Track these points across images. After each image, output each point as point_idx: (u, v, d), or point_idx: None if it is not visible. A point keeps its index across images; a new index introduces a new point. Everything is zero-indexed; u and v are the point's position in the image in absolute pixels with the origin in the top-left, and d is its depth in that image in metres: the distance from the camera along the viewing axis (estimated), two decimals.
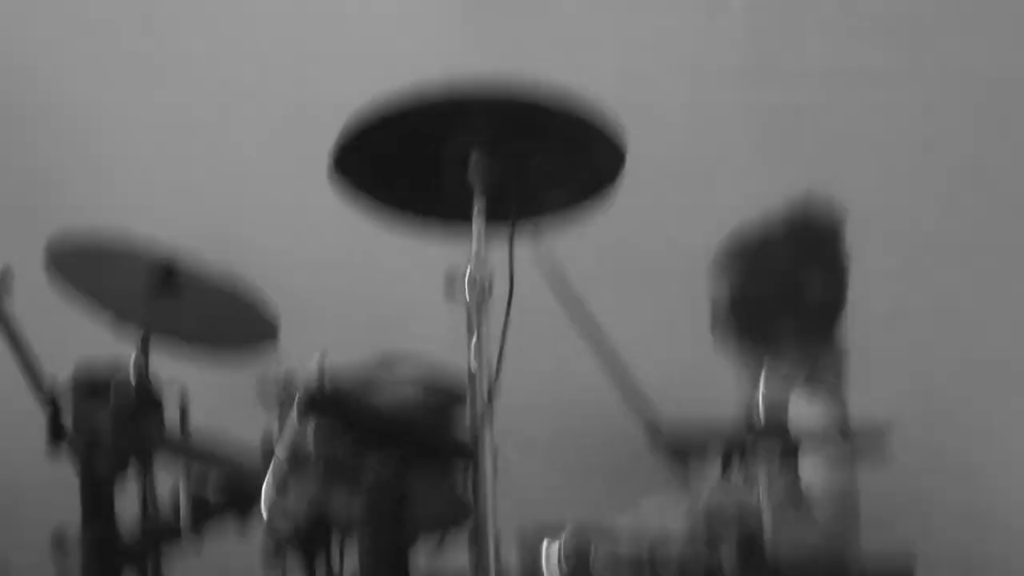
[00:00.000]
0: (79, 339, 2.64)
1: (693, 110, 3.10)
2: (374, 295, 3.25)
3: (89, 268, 2.67)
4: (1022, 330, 3.02)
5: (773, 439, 2.12)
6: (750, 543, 2.07)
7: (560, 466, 2.66)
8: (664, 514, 2.66)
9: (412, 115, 2.11)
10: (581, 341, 2.74)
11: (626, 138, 2.14)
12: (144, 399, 2.46)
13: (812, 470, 2.42)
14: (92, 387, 2.50)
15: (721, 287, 2.62)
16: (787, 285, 2.60)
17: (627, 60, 3.14)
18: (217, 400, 2.61)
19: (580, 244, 2.65)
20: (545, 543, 2.16)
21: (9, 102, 3.39)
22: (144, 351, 2.55)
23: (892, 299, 2.78)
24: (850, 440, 2.39)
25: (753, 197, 2.71)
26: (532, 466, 2.80)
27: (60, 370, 2.56)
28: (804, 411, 2.50)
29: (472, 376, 2.04)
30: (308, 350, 2.19)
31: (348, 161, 2.17)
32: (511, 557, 2.21)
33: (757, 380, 2.23)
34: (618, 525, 2.56)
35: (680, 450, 2.54)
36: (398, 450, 2.11)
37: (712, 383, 2.79)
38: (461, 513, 2.09)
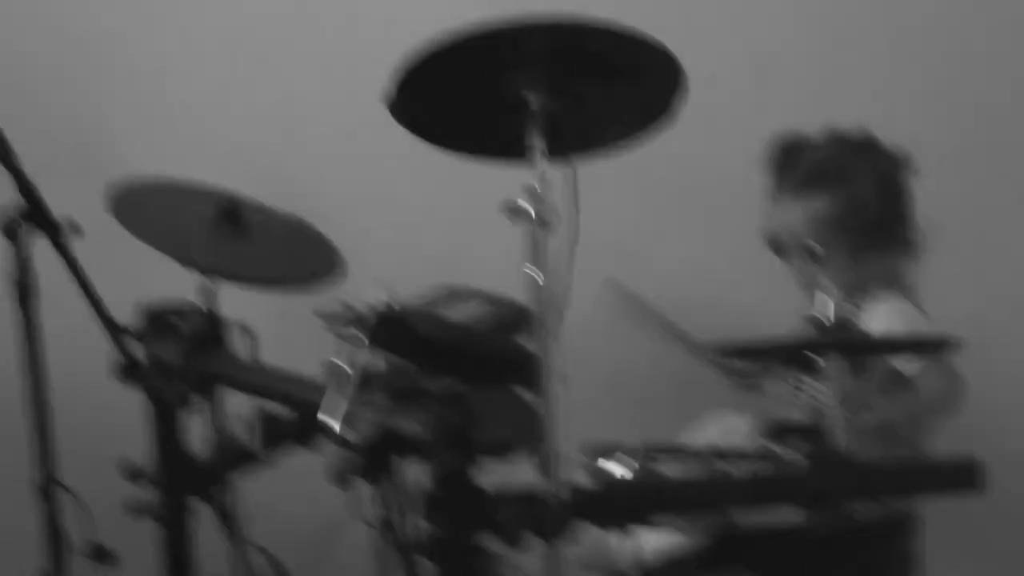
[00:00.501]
0: (147, 283, 2.68)
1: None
2: (435, 232, 3.31)
3: (152, 213, 2.73)
4: None
5: (841, 343, 2.12)
6: (819, 443, 2.10)
7: (622, 390, 2.68)
8: (729, 428, 2.73)
9: (467, 51, 2.12)
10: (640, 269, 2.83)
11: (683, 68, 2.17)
12: (211, 333, 2.52)
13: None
14: (162, 323, 2.57)
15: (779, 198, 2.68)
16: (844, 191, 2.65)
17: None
18: (284, 336, 2.65)
19: (638, 171, 2.71)
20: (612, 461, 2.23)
21: (70, 53, 3.44)
22: (210, 289, 2.61)
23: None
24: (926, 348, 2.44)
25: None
26: (595, 389, 2.87)
27: (129, 314, 2.65)
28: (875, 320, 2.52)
29: (538, 301, 2.07)
30: (373, 287, 2.22)
31: (405, 100, 2.19)
32: (577, 476, 2.27)
33: (817, 291, 2.26)
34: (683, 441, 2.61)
35: (744, 366, 2.61)
36: (464, 373, 2.15)
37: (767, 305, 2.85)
38: (527, 434, 2.11)
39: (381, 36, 2.92)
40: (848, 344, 2.15)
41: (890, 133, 2.72)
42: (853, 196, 2.67)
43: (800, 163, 2.70)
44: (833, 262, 2.65)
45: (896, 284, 2.71)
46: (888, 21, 3.18)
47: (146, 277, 2.70)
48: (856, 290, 2.70)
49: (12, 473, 2.91)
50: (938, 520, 2.70)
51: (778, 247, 2.73)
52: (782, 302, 2.74)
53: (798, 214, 2.68)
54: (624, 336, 2.70)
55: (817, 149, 2.72)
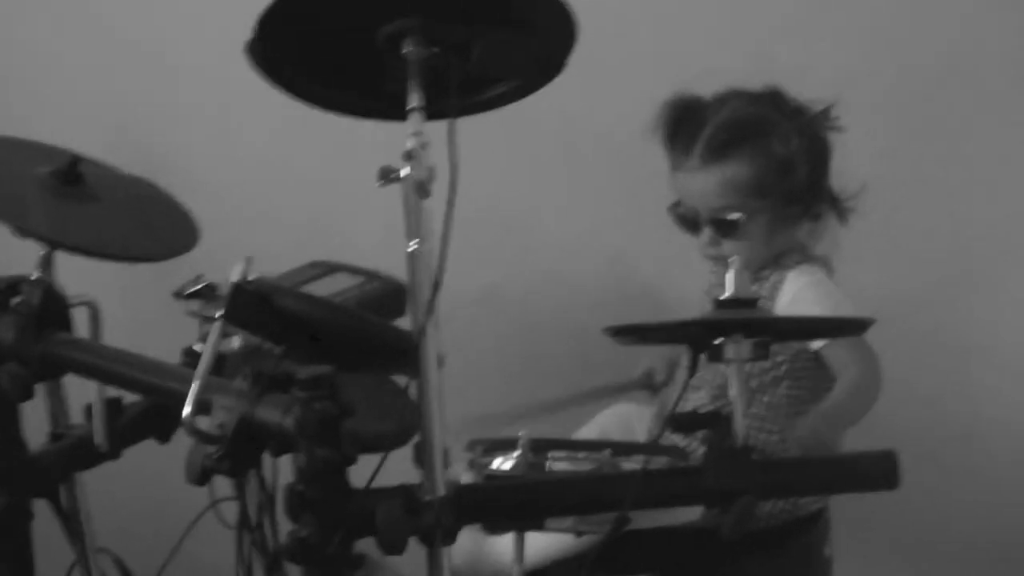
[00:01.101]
0: None
1: None
2: (303, 199, 3.18)
3: None
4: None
5: (745, 323, 2.01)
6: (723, 437, 1.99)
7: (510, 375, 2.60)
8: (626, 422, 2.66)
9: None
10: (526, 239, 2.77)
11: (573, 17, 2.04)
12: (51, 312, 2.35)
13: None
14: None
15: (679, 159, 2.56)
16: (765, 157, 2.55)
17: None
18: (132, 313, 2.54)
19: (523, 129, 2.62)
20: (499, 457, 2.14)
21: None
22: (48, 261, 2.44)
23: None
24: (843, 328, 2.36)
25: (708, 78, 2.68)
26: (480, 375, 2.79)
27: None
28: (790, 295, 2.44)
29: (413, 276, 1.97)
30: (231, 258, 2.07)
31: (271, 49, 2.05)
32: (461, 472, 2.18)
33: (722, 266, 2.16)
34: (577, 436, 2.55)
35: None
36: (333, 357, 2.02)
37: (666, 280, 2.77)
38: (405, 426, 2.01)
39: None
40: (752, 324, 2.03)
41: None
42: (776, 156, 2.54)
43: (706, 124, 2.57)
44: (750, 232, 2.55)
45: (812, 255, 2.62)
46: None
47: None
48: (770, 263, 2.60)
49: None
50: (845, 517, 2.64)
51: (687, 220, 2.60)
52: (682, 277, 2.67)
53: (711, 180, 2.55)
54: (513, 311, 2.63)
55: (726, 107, 2.59)
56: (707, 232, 2.57)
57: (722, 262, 2.54)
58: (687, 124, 2.59)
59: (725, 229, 2.55)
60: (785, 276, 2.58)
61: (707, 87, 2.63)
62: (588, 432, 2.66)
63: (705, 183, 2.55)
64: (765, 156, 2.54)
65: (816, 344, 2.49)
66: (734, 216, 2.54)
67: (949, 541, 3.15)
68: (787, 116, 2.58)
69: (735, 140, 2.54)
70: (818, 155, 2.58)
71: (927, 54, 2.98)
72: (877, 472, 2.03)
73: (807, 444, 2.26)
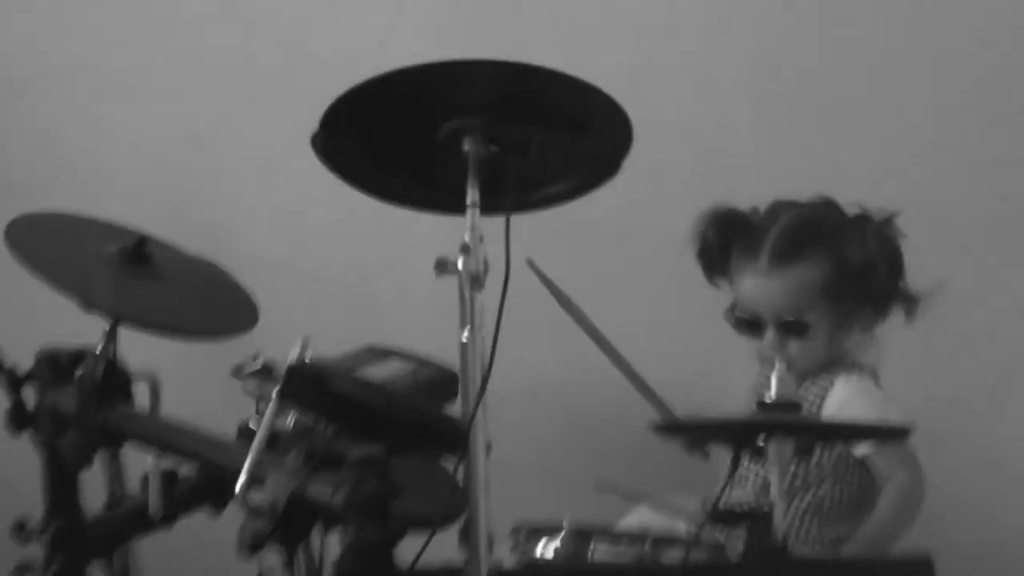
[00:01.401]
0: (45, 326, 2.58)
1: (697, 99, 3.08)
2: (361, 286, 3.21)
3: (54, 251, 2.61)
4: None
5: (788, 425, 2.05)
6: (761, 535, 2.02)
7: (557, 462, 2.62)
8: (669, 513, 2.66)
9: (403, 92, 2.06)
10: (578, 332, 2.76)
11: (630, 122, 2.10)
12: (112, 384, 2.40)
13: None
14: (58, 371, 2.47)
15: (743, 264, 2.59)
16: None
17: (631, 51, 3.12)
18: (191, 388, 2.57)
19: (578, 232, 2.65)
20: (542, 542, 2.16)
21: None
22: (113, 335, 2.50)
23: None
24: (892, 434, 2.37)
25: (756, 190, 2.71)
26: (528, 461, 2.80)
27: (25, 356, 2.55)
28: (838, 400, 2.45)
29: (465, 364, 2.01)
30: (289, 338, 2.13)
31: (335, 141, 2.11)
32: (504, 555, 2.21)
33: (771, 367, 2.18)
34: (620, 525, 2.55)
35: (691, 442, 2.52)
36: (385, 439, 2.07)
37: (717, 378, 2.77)
38: (452, 508, 2.04)
39: (307, 71, 2.85)
40: (796, 426, 2.06)
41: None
42: (852, 258, 2.56)
43: (769, 230, 2.59)
44: (815, 334, 2.58)
45: (861, 363, 2.64)
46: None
47: (44, 319, 2.59)
48: (824, 368, 2.63)
49: None
50: None
51: (746, 323, 2.62)
52: (724, 377, 2.69)
53: (780, 284, 2.57)
54: (560, 402, 2.64)
55: (785, 214, 2.62)
56: (771, 334, 2.59)
57: (770, 364, 2.58)
58: (743, 231, 2.62)
59: (794, 331, 2.57)
60: (834, 381, 2.60)
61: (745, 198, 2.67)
62: (631, 521, 2.67)
63: (775, 287, 2.57)
64: (839, 259, 2.56)
65: (861, 450, 2.51)
66: (807, 318, 2.56)
67: None
68: (854, 221, 2.60)
69: (806, 243, 2.57)
70: (894, 258, 2.59)
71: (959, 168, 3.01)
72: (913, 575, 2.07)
73: (868, 549, 2.32)
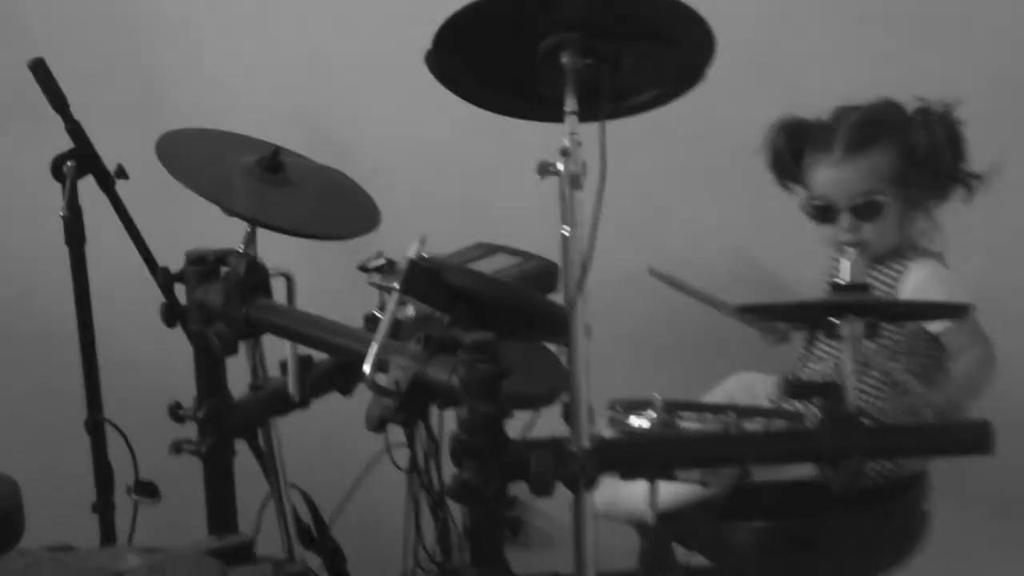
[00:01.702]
0: (193, 230, 2.58)
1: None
2: (470, 188, 3.19)
3: (199, 163, 2.61)
4: None
5: (861, 306, 2.00)
6: (835, 404, 1.98)
7: (650, 343, 2.60)
8: (750, 387, 2.64)
9: (506, 13, 2.01)
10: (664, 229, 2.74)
11: (713, 34, 2.05)
12: (253, 281, 2.40)
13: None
14: (205, 270, 2.48)
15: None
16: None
17: None
18: (322, 284, 2.58)
19: (662, 129, 2.60)
20: (637, 415, 2.14)
21: (127, 13, 3.34)
22: (252, 237, 2.50)
23: None
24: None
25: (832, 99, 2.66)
26: (623, 343, 2.78)
27: (176, 258, 2.56)
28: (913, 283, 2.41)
29: (566, 257, 1.96)
30: (407, 238, 2.11)
31: (444, 57, 2.06)
32: (603, 427, 2.19)
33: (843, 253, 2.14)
34: (706, 399, 2.53)
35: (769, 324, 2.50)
36: (495, 325, 2.05)
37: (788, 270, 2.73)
38: (556, 386, 2.03)
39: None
40: (868, 307, 2.02)
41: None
42: (919, 145, 2.51)
43: (840, 127, 2.55)
44: (886, 217, 2.53)
45: (930, 250, 2.59)
46: None
47: (192, 225, 2.59)
48: (892, 254, 2.57)
49: (68, 412, 2.86)
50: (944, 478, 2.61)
51: (823, 210, 2.57)
52: (800, 261, 2.64)
53: (855, 170, 2.52)
54: (651, 290, 2.61)
55: (854, 112, 2.57)
56: (846, 218, 2.54)
57: (843, 250, 2.54)
58: (811, 131, 2.59)
59: (868, 213, 2.52)
60: (908, 266, 2.55)
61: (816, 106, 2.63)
62: (715, 396, 2.66)
63: (849, 173, 2.53)
64: (904, 147, 2.52)
65: (935, 327, 2.47)
66: (879, 199, 2.51)
67: None
68: (917, 113, 2.56)
69: (876, 134, 2.53)
70: (957, 142, 2.54)
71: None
72: (973, 439, 2.01)
73: (943, 411, 2.26)
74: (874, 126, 2.54)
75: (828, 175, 2.56)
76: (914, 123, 2.53)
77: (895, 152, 2.52)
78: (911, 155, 2.52)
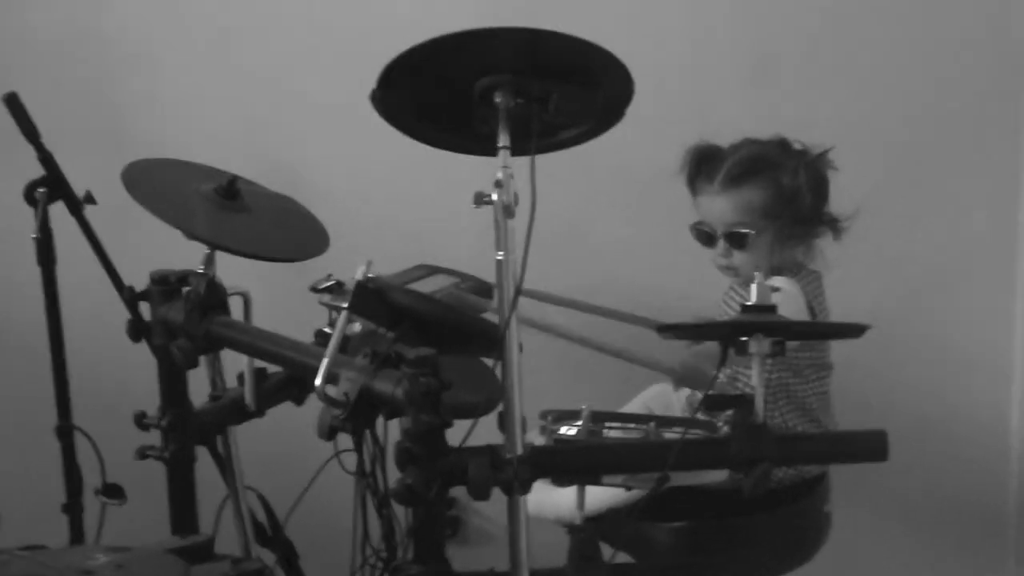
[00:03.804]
0: (156, 253, 2.55)
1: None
2: (413, 215, 3.17)
3: (162, 190, 2.57)
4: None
5: (766, 325, 2.01)
6: (746, 415, 2.00)
7: (576, 358, 2.59)
8: (666, 400, 2.64)
9: (445, 55, 2.01)
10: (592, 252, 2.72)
11: (631, 77, 2.06)
12: (212, 300, 2.38)
13: None
14: (168, 290, 2.44)
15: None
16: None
17: (631, 16, 3.05)
18: (276, 302, 2.55)
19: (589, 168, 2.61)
20: (566, 425, 2.14)
21: (93, 51, 3.30)
22: (211, 259, 2.47)
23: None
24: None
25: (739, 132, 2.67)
26: (553, 358, 2.78)
27: (140, 278, 2.53)
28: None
29: (500, 279, 1.97)
30: (355, 260, 2.11)
31: (388, 96, 2.06)
32: (535, 436, 2.19)
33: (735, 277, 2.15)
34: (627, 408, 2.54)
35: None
36: (435, 341, 2.04)
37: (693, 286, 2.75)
38: (491, 398, 2.02)
39: (367, 38, 2.80)
40: (772, 326, 2.02)
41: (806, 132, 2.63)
42: (785, 186, 2.55)
43: (727, 159, 2.58)
44: (757, 247, 2.56)
45: (806, 268, 2.61)
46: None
47: (155, 248, 2.56)
48: (772, 274, 2.59)
49: (40, 420, 2.82)
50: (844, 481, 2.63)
51: (705, 235, 2.62)
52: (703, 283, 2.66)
53: (729, 202, 2.56)
54: (573, 311, 2.62)
55: (743, 148, 2.61)
56: (721, 245, 2.58)
57: (732, 273, 2.59)
58: (710, 160, 2.61)
59: (737, 242, 2.56)
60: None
61: (724, 138, 2.65)
62: (634, 406, 2.66)
63: (724, 204, 2.56)
64: (775, 185, 2.55)
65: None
66: (745, 231, 2.53)
67: (925, 504, 3.13)
68: (793, 156, 2.59)
69: (750, 171, 2.55)
70: (819, 187, 2.58)
71: (910, 107, 2.96)
72: (870, 447, 2.04)
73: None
74: (751, 163, 2.56)
75: (707, 203, 2.60)
76: (786, 165, 2.56)
77: (768, 189, 2.55)
78: (779, 194, 2.55)
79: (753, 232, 2.53)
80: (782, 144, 2.61)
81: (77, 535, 2.79)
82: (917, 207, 2.97)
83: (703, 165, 2.61)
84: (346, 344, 2.15)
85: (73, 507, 2.79)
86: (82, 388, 2.82)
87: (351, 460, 2.19)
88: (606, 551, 2.11)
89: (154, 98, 3.29)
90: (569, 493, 2.20)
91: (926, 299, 2.99)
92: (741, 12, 3.06)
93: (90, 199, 2.70)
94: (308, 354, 2.21)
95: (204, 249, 2.45)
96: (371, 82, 2.03)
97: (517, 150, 1.99)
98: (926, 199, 2.97)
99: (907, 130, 2.95)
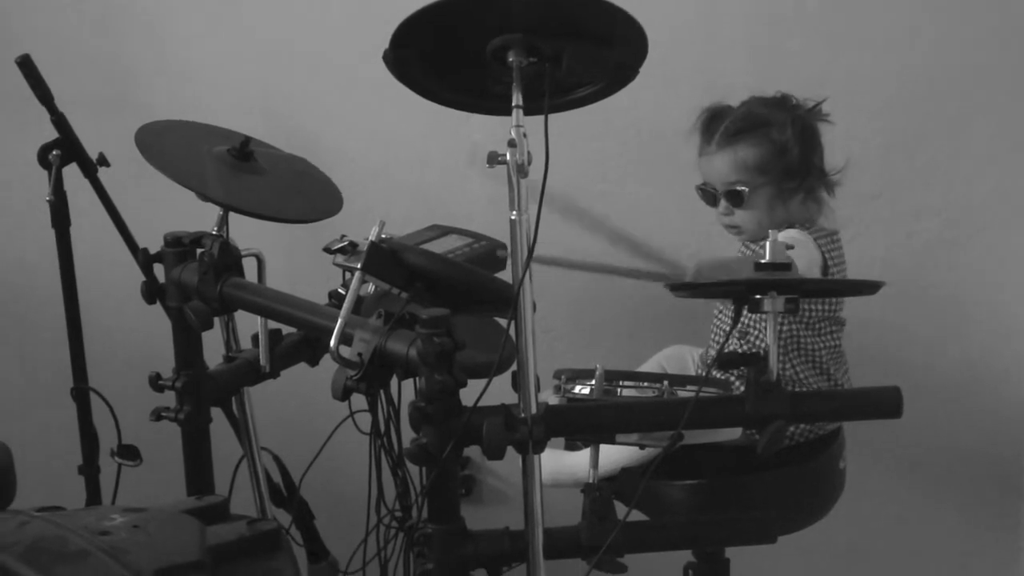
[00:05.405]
0: (170, 214, 2.55)
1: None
2: (426, 176, 3.14)
3: (176, 152, 2.56)
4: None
5: (779, 283, 1.99)
6: (760, 373, 1.99)
7: (591, 317, 2.59)
8: (681, 360, 2.63)
9: (458, 14, 1.99)
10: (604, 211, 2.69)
11: (646, 35, 2.03)
12: (226, 261, 2.37)
13: None
14: (182, 251, 2.44)
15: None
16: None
17: None
18: (290, 263, 2.54)
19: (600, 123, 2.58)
20: (580, 384, 2.14)
21: (104, 14, 3.28)
22: (225, 221, 2.47)
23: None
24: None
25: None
26: (566, 317, 2.77)
27: (155, 240, 2.52)
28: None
29: (513, 239, 1.96)
30: (368, 221, 2.09)
31: (401, 56, 2.05)
32: (549, 395, 2.19)
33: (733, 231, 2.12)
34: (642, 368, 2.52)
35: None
36: (449, 301, 2.03)
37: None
38: (505, 357, 2.01)
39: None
40: (786, 283, 2.00)
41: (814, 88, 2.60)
42: (775, 141, 2.53)
43: (725, 120, 2.57)
44: (756, 203, 2.54)
45: (818, 225, 2.59)
46: None
47: (169, 209, 2.56)
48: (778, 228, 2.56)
49: (56, 382, 2.82)
50: (859, 436, 2.61)
51: (708, 195, 2.60)
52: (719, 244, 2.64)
53: (724, 161, 2.54)
54: (588, 270, 2.61)
55: (742, 107, 2.59)
56: (722, 203, 2.57)
57: (736, 231, 2.58)
58: (713, 120, 2.60)
59: (735, 200, 2.54)
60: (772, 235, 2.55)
61: (737, 97, 2.63)
62: (649, 366, 2.66)
63: (720, 163, 2.55)
64: (767, 141, 2.53)
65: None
66: (740, 188, 2.52)
67: (939, 459, 3.11)
68: (786, 110, 2.57)
69: (744, 129, 2.53)
70: (808, 140, 2.55)
71: (924, 61, 2.92)
72: (884, 404, 2.03)
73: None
74: (744, 121, 2.55)
75: (706, 163, 2.59)
76: (777, 120, 2.54)
77: (760, 146, 2.53)
78: (772, 149, 2.54)
79: (747, 189, 2.52)
80: (782, 100, 2.60)
81: (93, 496, 2.80)
82: (931, 162, 2.94)
83: (711, 124, 2.60)
84: (360, 305, 2.15)
85: (89, 468, 2.80)
86: (97, 350, 2.83)
87: (365, 420, 2.19)
88: (620, 510, 2.10)
89: (167, 60, 3.27)
90: (583, 457, 2.19)
91: (942, 254, 2.97)
92: None
93: (103, 161, 2.70)
94: (322, 315, 2.20)
95: (218, 211, 2.45)
96: (384, 42, 2.01)
97: (530, 109, 1.98)
98: (941, 154, 2.93)
99: (921, 85, 2.91)
